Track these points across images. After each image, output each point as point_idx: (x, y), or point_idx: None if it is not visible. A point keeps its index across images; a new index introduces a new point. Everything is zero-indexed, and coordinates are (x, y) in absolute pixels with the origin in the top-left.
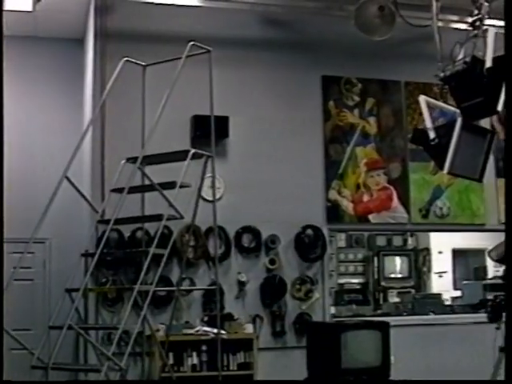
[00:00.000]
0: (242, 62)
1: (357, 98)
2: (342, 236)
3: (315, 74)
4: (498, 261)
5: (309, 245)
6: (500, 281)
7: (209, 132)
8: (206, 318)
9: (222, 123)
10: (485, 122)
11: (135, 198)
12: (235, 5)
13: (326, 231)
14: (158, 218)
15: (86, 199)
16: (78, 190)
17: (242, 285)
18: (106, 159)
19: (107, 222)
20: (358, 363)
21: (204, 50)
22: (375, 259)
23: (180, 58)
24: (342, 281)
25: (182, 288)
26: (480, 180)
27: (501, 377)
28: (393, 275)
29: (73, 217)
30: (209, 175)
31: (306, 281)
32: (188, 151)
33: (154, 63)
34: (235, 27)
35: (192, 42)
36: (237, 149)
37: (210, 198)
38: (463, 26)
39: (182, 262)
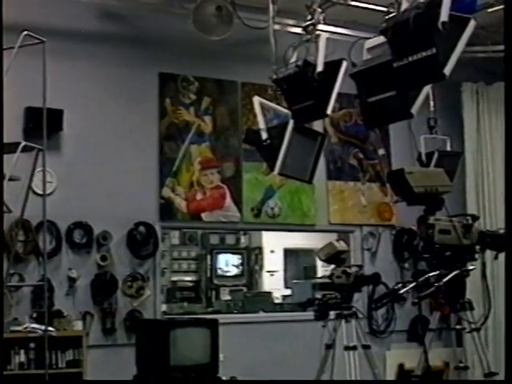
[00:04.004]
0: (79, 55)
1: (193, 97)
2: (176, 233)
3: (152, 70)
4: (326, 260)
5: (141, 242)
6: (328, 280)
7: (42, 124)
8: (34, 315)
9: (56, 116)
10: (318, 125)
11: None
12: None
13: (158, 228)
14: None
15: None
16: None
17: (72, 281)
18: None
19: None
20: (186, 360)
21: (38, 41)
22: (208, 257)
23: (13, 48)
24: (175, 278)
25: (10, 284)
26: (310, 182)
27: (327, 372)
28: (225, 273)
29: None
30: (40, 169)
31: (137, 278)
32: (18, 143)
33: None
34: (72, 19)
35: (25, 32)
36: (71, 143)
37: (42, 192)
38: (299, 30)
39: (11, 256)
